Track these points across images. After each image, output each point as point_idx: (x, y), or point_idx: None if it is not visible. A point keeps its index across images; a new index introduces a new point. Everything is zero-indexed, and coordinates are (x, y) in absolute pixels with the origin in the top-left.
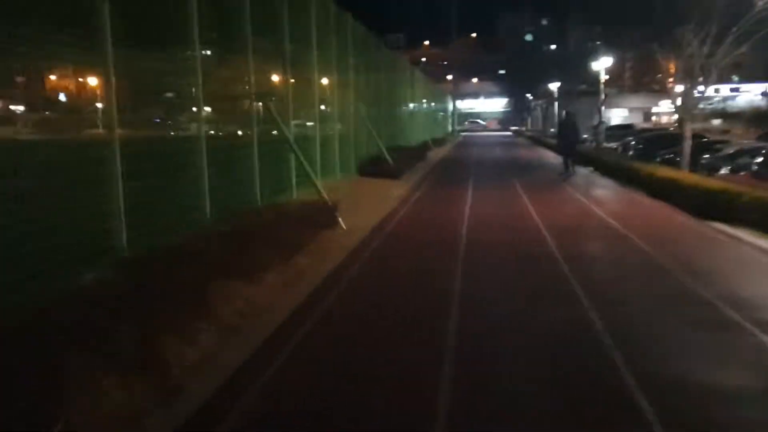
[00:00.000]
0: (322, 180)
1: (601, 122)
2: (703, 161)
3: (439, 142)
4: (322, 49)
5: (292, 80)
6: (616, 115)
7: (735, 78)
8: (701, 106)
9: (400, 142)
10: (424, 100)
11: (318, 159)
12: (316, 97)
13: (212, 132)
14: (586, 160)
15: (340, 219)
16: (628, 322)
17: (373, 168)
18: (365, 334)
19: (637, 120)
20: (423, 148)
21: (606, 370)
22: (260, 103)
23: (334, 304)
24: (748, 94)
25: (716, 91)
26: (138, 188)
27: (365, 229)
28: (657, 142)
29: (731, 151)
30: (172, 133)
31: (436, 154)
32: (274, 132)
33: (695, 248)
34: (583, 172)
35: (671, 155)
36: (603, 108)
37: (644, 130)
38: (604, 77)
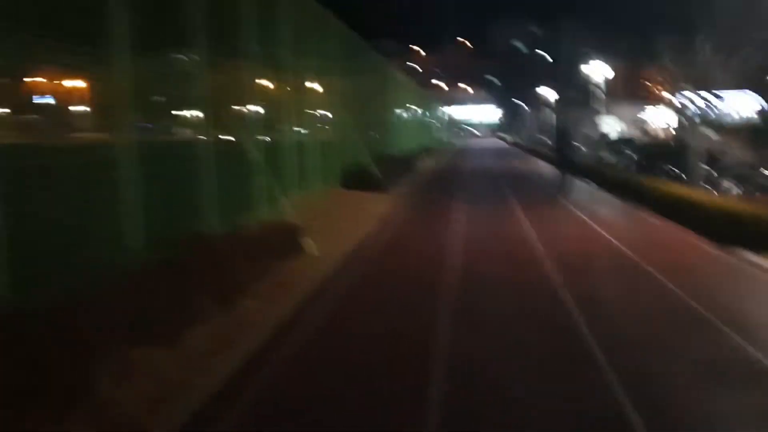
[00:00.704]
0: (300, 193)
1: (605, 137)
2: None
3: (431, 151)
4: (300, 47)
5: (261, 81)
6: (608, 126)
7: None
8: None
9: (391, 151)
10: (416, 108)
11: (295, 170)
12: (290, 101)
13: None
14: (587, 174)
15: (308, 245)
16: (678, 415)
17: (357, 180)
18: None
19: (632, 131)
20: (414, 158)
21: None
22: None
23: (268, 391)
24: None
25: (706, 101)
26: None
27: (337, 258)
28: (654, 153)
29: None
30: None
31: (427, 165)
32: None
33: (733, 288)
34: (581, 186)
35: (672, 168)
36: (595, 118)
37: (648, 145)
38: (601, 80)
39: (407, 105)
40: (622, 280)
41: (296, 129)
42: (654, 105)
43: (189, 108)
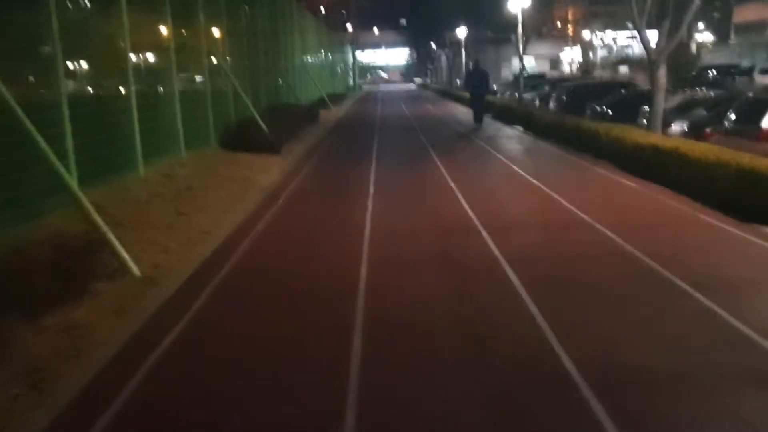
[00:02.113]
0: (153, 163)
1: (522, 71)
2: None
3: (337, 98)
4: None
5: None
6: (524, 65)
7: (630, 25)
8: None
9: (292, 100)
10: (320, 51)
11: (136, 133)
12: (126, 37)
13: None
14: (512, 116)
15: (125, 261)
16: None
17: (241, 138)
18: None
19: (545, 69)
20: (317, 107)
21: None
22: None
23: None
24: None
25: (614, 40)
26: None
27: (178, 276)
28: (584, 92)
29: (678, 102)
30: None
31: (332, 114)
32: None
33: None
34: (511, 133)
35: (603, 108)
36: (518, 56)
37: (561, 80)
38: (519, 17)
39: (312, 50)
40: (612, 284)
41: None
42: (570, 45)
43: None
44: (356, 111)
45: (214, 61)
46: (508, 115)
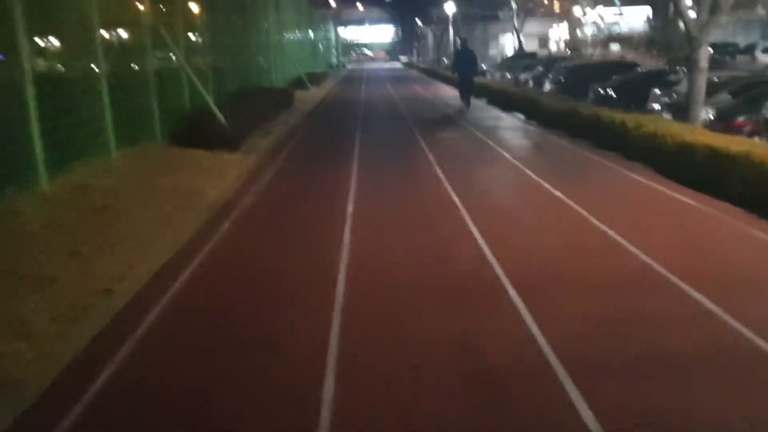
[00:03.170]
0: (65, 171)
1: (521, 50)
2: (663, 101)
3: (317, 78)
4: None
5: None
6: (511, 42)
7: (617, 2)
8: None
9: (262, 82)
10: (299, 28)
11: (34, 131)
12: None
13: None
14: (510, 102)
15: None
16: None
17: (193, 132)
18: None
19: (533, 47)
20: (293, 90)
21: None
22: None
23: None
24: (632, 19)
25: (600, 16)
26: None
27: (20, 400)
28: (583, 73)
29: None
30: None
31: (311, 96)
32: None
33: None
34: (513, 122)
35: (607, 91)
36: (515, 32)
37: (555, 59)
38: None
39: (289, 26)
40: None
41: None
42: (557, 22)
43: None
44: (338, 93)
45: (165, 35)
46: (505, 100)
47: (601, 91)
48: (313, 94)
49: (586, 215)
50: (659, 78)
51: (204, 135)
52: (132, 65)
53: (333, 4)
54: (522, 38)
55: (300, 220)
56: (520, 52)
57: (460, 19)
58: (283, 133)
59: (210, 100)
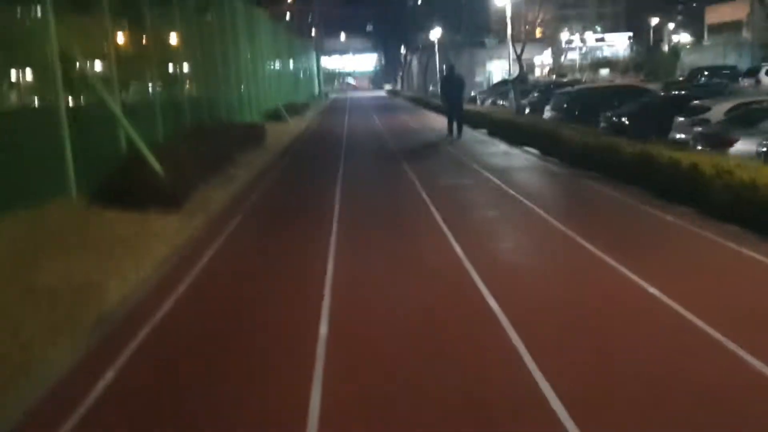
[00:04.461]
0: None
1: (520, 76)
2: (695, 131)
3: (298, 109)
4: None
5: None
6: (498, 68)
7: (599, 29)
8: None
9: (232, 116)
10: (278, 57)
11: None
12: None
13: None
14: (515, 134)
15: None
16: None
17: (121, 185)
18: None
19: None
20: (268, 122)
21: None
22: None
23: None
24: (612, 46)
25: (582, 41)
26: None
27: None
28: (590, 100)
29: (728, 109)
30: None
31: (287, 130)
32: None
33: None
34: (529, 161)
35: (621, 119)
36: (490, 60)
37: (554, 85)
38: (508, 11)
39: (266, 55)
40: None
41: None
42: (545, 48)
43: None
44: (318, 125)
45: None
46: (511, 131)
47: (615, 119)
48: (291, 127)
49: (703, 326)
50: (682, 103)
51: (135, 189)
52: (34, 100)
53: (314, 33)
54: (502, 63)
55: (244, 344)
56: (520, 76)
57: (447, 44)
58: (247, 180)
59: (140, 143)
